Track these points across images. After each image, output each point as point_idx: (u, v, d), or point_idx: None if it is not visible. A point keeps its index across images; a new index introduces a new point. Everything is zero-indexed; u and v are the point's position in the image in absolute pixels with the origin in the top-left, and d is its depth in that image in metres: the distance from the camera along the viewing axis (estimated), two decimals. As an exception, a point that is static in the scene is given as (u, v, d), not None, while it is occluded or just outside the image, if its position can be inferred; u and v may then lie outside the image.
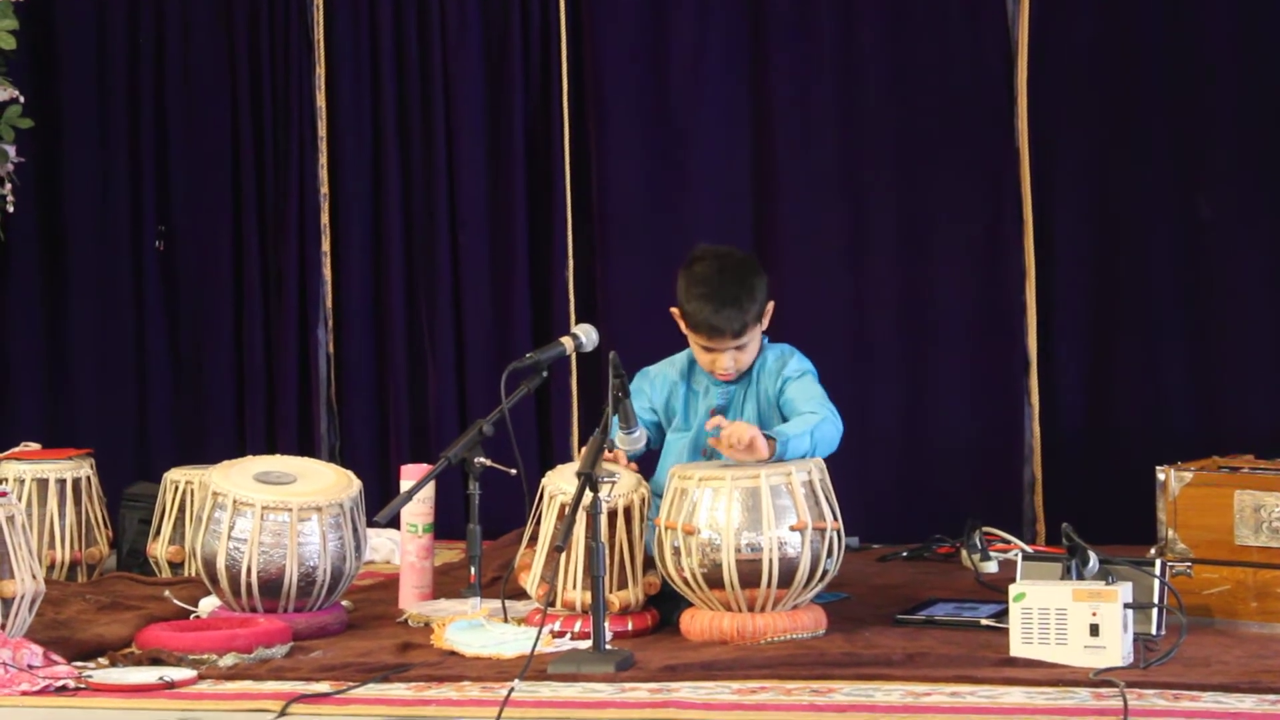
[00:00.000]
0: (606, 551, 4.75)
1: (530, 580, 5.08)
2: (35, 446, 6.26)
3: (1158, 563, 4.71)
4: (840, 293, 6.81)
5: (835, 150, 6.82)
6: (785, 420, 5.16)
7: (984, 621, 4.94)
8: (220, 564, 5.07)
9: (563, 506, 4.98)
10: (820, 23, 6.80)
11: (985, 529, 5.98)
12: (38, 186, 7.34)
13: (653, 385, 5.42)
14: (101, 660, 4.77)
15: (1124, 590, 4.47)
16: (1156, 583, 4.65)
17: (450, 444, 5.29)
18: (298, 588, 5.07)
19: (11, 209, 6.97)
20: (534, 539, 5.13)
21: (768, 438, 4.90)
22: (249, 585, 5.05)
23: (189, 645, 4.68)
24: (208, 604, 5.26)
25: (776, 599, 4.84)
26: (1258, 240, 6.46)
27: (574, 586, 4.95)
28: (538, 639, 4.46)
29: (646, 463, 5.31)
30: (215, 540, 5.09)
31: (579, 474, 4.62)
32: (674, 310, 5.28)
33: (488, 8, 7.13)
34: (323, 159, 7.25)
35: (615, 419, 4.99)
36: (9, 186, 6.95)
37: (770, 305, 5.26)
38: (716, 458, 5.15)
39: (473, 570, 5.31)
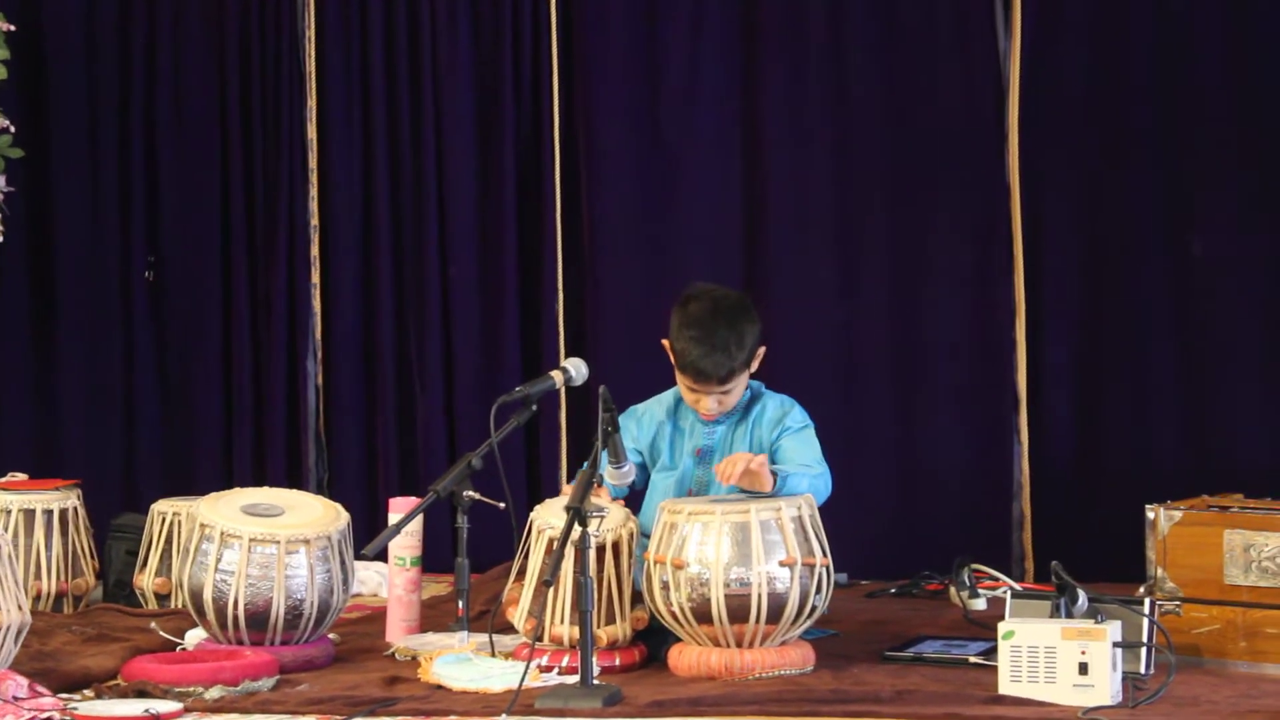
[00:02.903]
0: (595, 586, 4.74)
1: (518, 615, 5.06)
2: (22, 477, 6.25)
3: (1147, 601, 4.71)
4: (830, 328, 6.80)
5: (826, 186, 6.81)
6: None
7: (972, 659, 4.93)
8: (207, 596, 5.05)
9: (551, 541, 4.97)
10: (812, 54, 6.81)
11: (974, 566, 5.97)
12: (27, 216, 7.33)
13: (639, 425, 5.41)
14: (87, 692, 4.75)
15: (1113, 629, 4.47)
16: (1145, 621, 4.65)
17: (439, 477, 5.28)
18: (284, 620, 5.05)
19: (1, 239, 6.96)
20: (522, 573, 5.12)
21: (772, 473, 4.92)
22: (235, 617, 5.03)
23: (175, 677, 4.66)
24: (194, 636, 5.23)
25: (765, 635, 4.82)
26: (1248, 277, 6.46)
27: (562, 621, 4.94)
28: (525, 674, 4.46)
29: (630, 503, 5.28)
30: (202, 572, 5.07)
31: (567, 508, 4.60)
32: (665, 342, 5.28)
33: (479, 39, 7.13)
34: (313, 190, 7.24)
35: (604, 453, 4.98)
36: (-2, 216, 6.95)
37: (761, 350, 5.26)
38: (704, 494, 5.15)
39: (460, 604, 5.30)
